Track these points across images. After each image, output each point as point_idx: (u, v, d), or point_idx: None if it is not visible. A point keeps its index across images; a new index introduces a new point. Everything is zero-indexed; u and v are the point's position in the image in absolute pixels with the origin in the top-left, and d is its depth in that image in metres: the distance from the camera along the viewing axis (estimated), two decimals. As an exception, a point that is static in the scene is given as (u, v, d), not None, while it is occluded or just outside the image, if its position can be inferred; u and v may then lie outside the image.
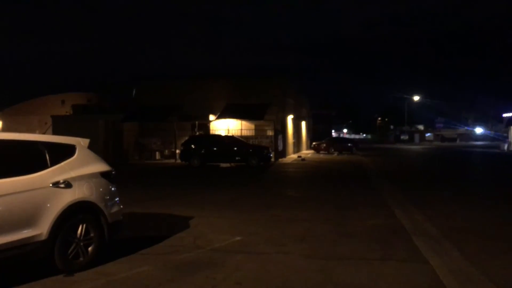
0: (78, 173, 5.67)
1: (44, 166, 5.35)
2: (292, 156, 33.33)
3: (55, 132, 26.87)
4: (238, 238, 7.21)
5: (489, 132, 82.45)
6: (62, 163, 5.58)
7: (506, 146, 47.14)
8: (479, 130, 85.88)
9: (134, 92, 32.54)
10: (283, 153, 30.91)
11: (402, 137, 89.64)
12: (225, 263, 5.82)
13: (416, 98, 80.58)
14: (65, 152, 5.76)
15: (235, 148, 23.85)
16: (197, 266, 5.69)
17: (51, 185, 5.29)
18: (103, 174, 6.07)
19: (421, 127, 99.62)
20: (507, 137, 50.27)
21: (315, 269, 5.57)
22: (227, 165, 24.55)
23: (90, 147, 6.30)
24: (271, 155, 25.51)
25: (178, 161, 26.26)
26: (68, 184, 5.44)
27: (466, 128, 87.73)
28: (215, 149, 24.00)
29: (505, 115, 52.78)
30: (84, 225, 5.57)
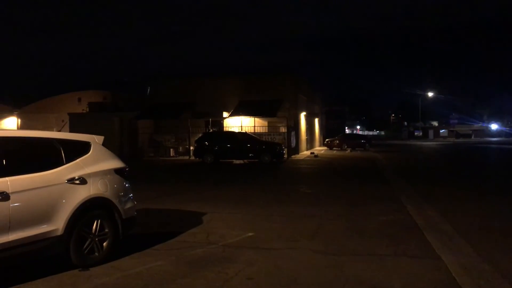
0: (93, 169, 5.77)
1: (59, 163, 5.46)
2: (305, 153, 33.29)
3: (71, 130, 27.20)
4: (250, 234, 7.27)
5: (504, 128, 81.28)
6: (77, 160, 5.69)
7: (522, 142, 46.45)
8: (494, 126, 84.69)
9: (148, 90, 32.84)
10: (296, 150, 30.89)
11: (415, 133, 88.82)
12: (237, 258, 5.87)
13: (430, 94, 79.81)
14: (80, 149, 5.87)
15: (248, 145, 23.92)
16: (209, 261, 5.76)
17: (66, 181, 5.39)
18: (117, 171, 6.17)
19: (435, 123, 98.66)
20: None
21: (327, 265, 5.60)
22: (240, 161, 24.63)
23: (106, 144, 6.40)
24: (284, 151, 25.51)
25: (192, 157, 26.43)
26: (83, 181, 5.55)
27: (481, 124, 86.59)
28: (228, 146, 24.10)
29: (521, 110, 51.90)
30: (99, 221, 5.68)
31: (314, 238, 7.01)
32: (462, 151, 39.36)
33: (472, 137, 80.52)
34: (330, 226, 7.88)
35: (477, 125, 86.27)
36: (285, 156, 26.05)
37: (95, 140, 6.21)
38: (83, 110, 35.52)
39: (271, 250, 6.31)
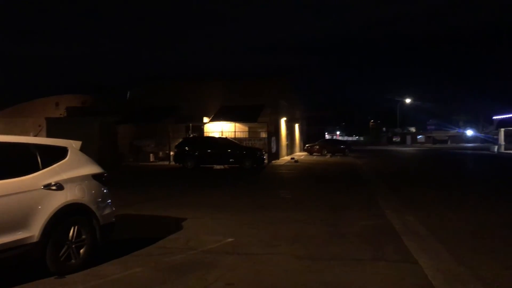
0: (70, 175, 5.69)
1: (35, 169, 5.37)
2: (285, 158, 33.40)
3: (49, 135, 26.75)
4: (231, 239, 7.25)
5: (479, 134, 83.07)
6: (54, 165, 5.60)
7: (496, 148, 47.52)
8: (470, 132, 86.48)
9: (128, 94, 32.55)
10: (277, 155, 30.98)
11: (394, 139, 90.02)
12: (217, 264, 5.86)
13: (408, 100, 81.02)
14: (57, 154, 5.78)
15: (229, 150, 23.89)
16: (189, 267, 5.73)
17: (42, 187, 5.31)
18: (95, 176, 6.09)
19: (413, 129, 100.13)
20: (497, 139, 50.71)
21: (307, 270, 5.62)
22: (221, 167, 24.58)
23: (84, 149, 6.32)
24: (265, 157, 25.56)
25: (172, 163, 26.24)
26: (60, 186, 5.46)
27: (457, 130, 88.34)
28: (209, 151, 24.02)
29: (495, 117, 53.28)
30: (76, 227, 5.59)
31: (294, 243, 7.04)
32: (439, 157, 40.05)
33: (449, 143, 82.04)
34: (310, 231, 7.92)
35: (453, 131, 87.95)
36: (266, 161, 26.10)
37: (73, 145, 6.13)
38: (61, 114, 34.98)
39: (251, 255, 6.31)
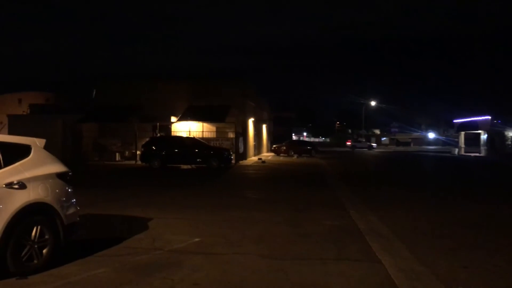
0: (33, 174, 5.55)
1: (-3, 167, 5.22)
2: (252, 159, 33.51)
3: (11, 132, 25.93)
4: (197, 239, 7.25)
5: (441, 136, 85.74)
6: (17, 164, 5.46)
7: (457, 151, 49.22)
8: (431, 135, 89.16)
9: (94, 92, 31.88)
10: (244, 155, 31.05)
11: (359, 140, 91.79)
12: (183, 264, 5.85)
13: (372, 103, 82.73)
14: (20, 152, 5.64)
15: (196, 150, 23.79)
16: (155, 267, 5.70)
17: (4, 185, 5.16)
18: (60, 175, 5.97)
19: (377, 131, 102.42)
20: (458, 142, 52.47)
21: (272, 269, 5.69)
22: (188, 166, 24.43)
23: (48, 147, 6.18)
24: (232, 157, 25.60)
25: (139, 162, 25.91)
26: (22, 185, 5.33)
27: (419, 132, 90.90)
28: (176, 150, 23.85)
29: (456, 120, 55.05)
30: (39, 227, 5.46)
31: (260, 242, 7.10)
32: (401, 158, 41.09)
33: (411, 145, 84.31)
34: (276, 231, 8.00)
35: (416, 134, 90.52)
36: (233, 161, 26.13)
37: (36, 143, 5.98)
38: (23, 112, 33.99)
39: (217, 255, 6.33)
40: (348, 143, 71.62)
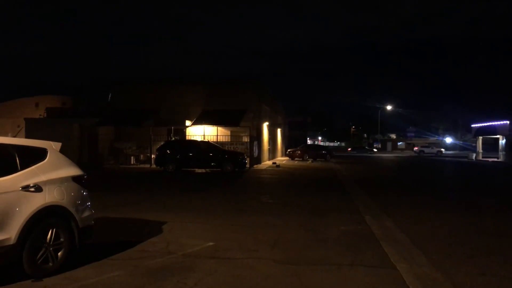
0: (49, 177, 5.61)
1: (14, 170, 5.29)
2: (267, 163, 33.46)
3: (28, 135, 26.34)
4: (211, 243, 7.24)
5: (458, 141, 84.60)
6: (33, 167, 5.52)
7: (474, 156, 48.48)
8: (449, 140, 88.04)
9: (110, 96, 32.22)
10: (258, 160, 31.02)
11: (375, 145, 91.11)
12: (197, 268, 5.84)
13: (389, 107, 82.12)
14: (36, 155, 5.70)
15: (211, 154, 23.84)
16: (169, 271, 5.69)
17: (20, 188, 5.22)
18: (75, 179, 6.02)
19: (393, 135, 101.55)
20: (475, 147, 51.71)
21: (286, 274, 5.64)
22: (202, 170, 24.49)
23: (64, 151, 6.24)
24: (246, 161, 25.57)
25: (153, 166, 26.06)
26: (38, 188, 5.38)
27: (436, 137, 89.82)
28: (190, 154, 23.93)
29: (473, 125, 54.25)
30: (54, 230, 5.51)
31: (274, 247, 7.06)
32: (418, 163, 40.61)
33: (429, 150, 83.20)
34: (290, 236, 7.95)
35: (433, 138, 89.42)
36: (247, 165, 26.11)
37: (52, 146, 6.05)
38: (40, 115, 34.49)
39: (231, 259, 6.30)
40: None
